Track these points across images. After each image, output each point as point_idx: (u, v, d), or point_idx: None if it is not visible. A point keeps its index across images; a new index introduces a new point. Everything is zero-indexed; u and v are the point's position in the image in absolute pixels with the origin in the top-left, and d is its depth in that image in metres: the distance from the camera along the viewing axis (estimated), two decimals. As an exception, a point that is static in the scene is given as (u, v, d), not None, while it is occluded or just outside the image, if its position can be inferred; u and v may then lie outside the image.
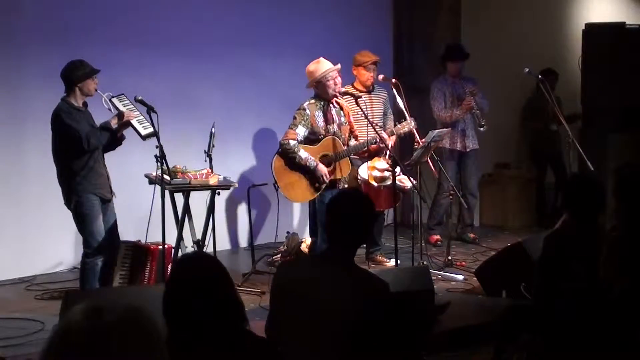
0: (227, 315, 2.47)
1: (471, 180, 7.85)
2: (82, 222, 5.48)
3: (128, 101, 5.53)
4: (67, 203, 5.51)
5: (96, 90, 5.47)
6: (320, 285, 3.15)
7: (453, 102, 7.59)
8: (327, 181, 6.16)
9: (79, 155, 5.39)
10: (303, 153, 6.11)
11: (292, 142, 6.10)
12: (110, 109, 5.54)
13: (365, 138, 6.36)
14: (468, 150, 7.70)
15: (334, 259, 3.24)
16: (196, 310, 2.42)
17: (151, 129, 5.43)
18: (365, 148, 6.38)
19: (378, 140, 6.24)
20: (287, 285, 3.24)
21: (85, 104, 5.52)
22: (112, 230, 5.66)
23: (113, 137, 5.52)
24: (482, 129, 7.44)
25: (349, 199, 3.43)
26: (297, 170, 6.15)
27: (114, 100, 5.52)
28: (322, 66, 6.19)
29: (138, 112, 5.52)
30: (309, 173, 6.15)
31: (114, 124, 5.47)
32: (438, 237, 7.78)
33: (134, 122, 5.48)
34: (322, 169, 6.14)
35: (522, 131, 9.22)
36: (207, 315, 2.42)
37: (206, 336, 2.42)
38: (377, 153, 6.56)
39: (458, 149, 7.66)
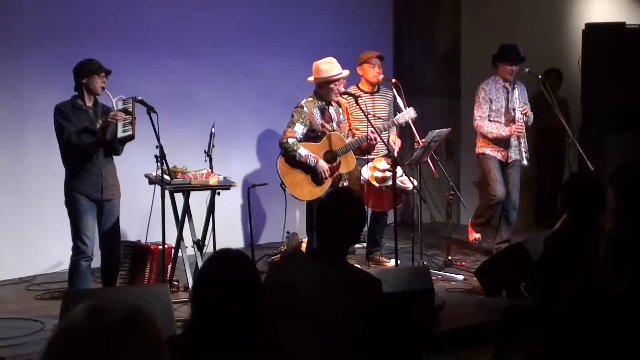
0: (254, 317, 2.48)
1: (513, 192, 7.28)
2: (70, 219, 5.51)
3: (130, 105, 5.46)
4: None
5: (103, 89, 5.43)
6: (311, 283, 3.15)
7: (498, 111, 7.17)
8: (328, 177, 6.17)
9: (67, 152, 5.43)
10: (303, 150, 6.12)
11: (291, 141, 6.11)
12: None
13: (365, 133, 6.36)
14: (510, 161, 7.26)
15: (324, 257, 3.24)
16: (226, 307, 2.43)
17: (128, 133, 5.36)
18: (360, 144, 6.35)
19: (370, 137, 6.23)
20: (278, 284, 3.24)
21: (95, 103, 5.49)
22: (107, 232, 5.58)
23: (106, 139, 5.43)
24: (526, 163, 7.23)
25: (337, 199, 3.44)
26: (300, 169, 6.17)
27: (119, 102, 5.50)
28: (334, 69, 6.18)
29: (128, 117, 5.41)
30: (311, 170, 6.16)
31: (98, 124, 5.41)
32: (478, 236, 7.50)
33: (118, 124, 5.41)
34: (323, 165, 6.15)
35: (530, 131, 9.14)
36: (237, 314, 2.44)
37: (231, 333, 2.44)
38: (368, 150, 6.49)
39: (499, 158, 7.26)
